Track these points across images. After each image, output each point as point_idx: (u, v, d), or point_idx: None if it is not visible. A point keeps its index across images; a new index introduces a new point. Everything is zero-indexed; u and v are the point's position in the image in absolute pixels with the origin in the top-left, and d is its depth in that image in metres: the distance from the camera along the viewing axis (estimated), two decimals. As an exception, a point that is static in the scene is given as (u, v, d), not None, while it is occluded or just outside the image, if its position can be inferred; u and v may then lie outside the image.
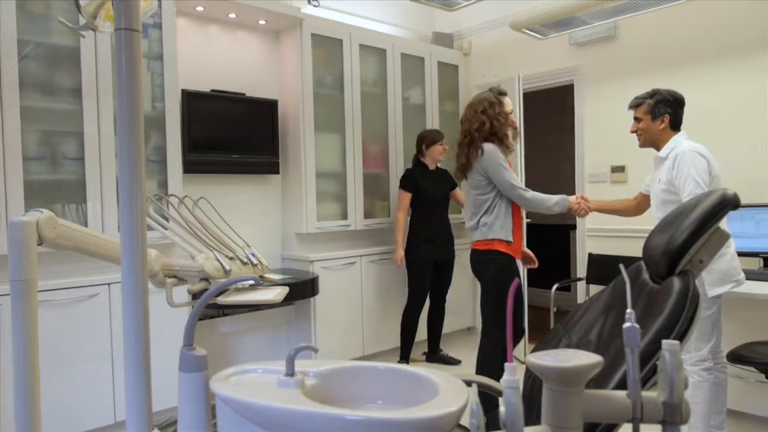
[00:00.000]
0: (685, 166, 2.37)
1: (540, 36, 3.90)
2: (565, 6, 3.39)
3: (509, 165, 2.75)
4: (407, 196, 3.84)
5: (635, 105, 2.63)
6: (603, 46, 3.96)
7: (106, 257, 1.47)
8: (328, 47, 3.83)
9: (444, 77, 4.63)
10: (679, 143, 2.48)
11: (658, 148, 2.57)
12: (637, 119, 2.61)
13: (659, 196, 2.51)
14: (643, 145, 2.64)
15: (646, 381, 0.92)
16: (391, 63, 4.20)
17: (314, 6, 3.96)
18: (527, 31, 3.78)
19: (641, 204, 2.80)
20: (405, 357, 3.78)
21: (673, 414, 0.77)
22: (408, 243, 3.85)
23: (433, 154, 3.88)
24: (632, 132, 2.63)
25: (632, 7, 3.31)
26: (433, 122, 4.51)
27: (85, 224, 2.76)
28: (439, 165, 3.98)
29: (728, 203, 1.04)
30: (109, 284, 2.71)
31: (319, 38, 3.75)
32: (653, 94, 2.57)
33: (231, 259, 1.64)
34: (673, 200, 2.43)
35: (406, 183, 3.86)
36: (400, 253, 3.82)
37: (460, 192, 4.05)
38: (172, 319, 2.76)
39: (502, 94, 2.84)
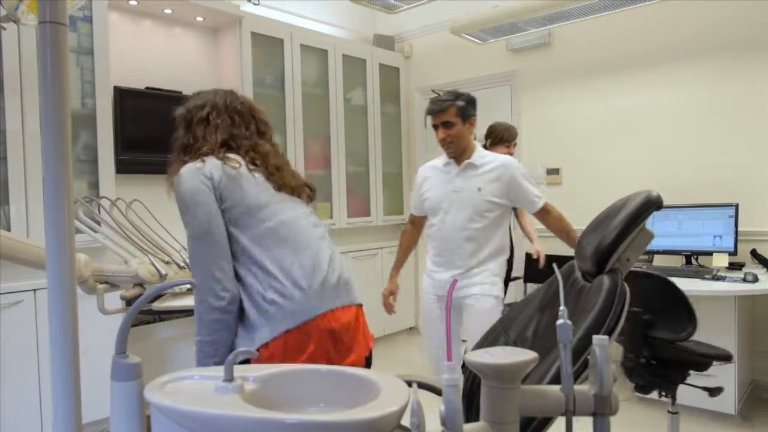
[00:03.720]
0: (524, 178, 2.39)
1: (479, 41, 4.00)
2: (503, 13, 3.48)
3: None
4: None
5: (442, 109, 2.34)
6: (538, 53, 4.09)
7: (31, 263, 1.40)
8: (268, 47, 3.78)
9: (385, 79, 4.66)
10: (487, 152, 2.45)
11: (464, 155, 2.40)
12: (446, 124, 2.34)
13: (480, 206, 2.35)
14: (454, 154, 2.40)
15: (578, 375, 0.96)
16: (333, 64, 4.19)
17: (254, 4, 3.90)
18: (466, 36, 3.87)
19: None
20: None
21: (603, 406, 0.80)
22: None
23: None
24: (441, 139, 2.36)
25: (566, 16, 3.44)
26: (374, 124, 4.52)
27: (8, 228, 2.60)
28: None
29: (653, 204, 1.10)
30: (34, 290, 2.56)
31: (259, 37, 3.70)
32: (458, 95, 2.36)
33: (167, 263, 1.59)
34: (495, 210, 2.37)
35: None
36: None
37: None
38: (103, 327, 2.64)
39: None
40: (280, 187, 1.57)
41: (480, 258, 2.40)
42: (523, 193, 2.42)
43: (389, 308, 2.62)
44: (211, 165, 1.54)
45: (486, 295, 2.38)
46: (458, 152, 2.40)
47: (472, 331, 2.39)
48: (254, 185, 1.52)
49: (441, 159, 2.51)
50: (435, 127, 2.41)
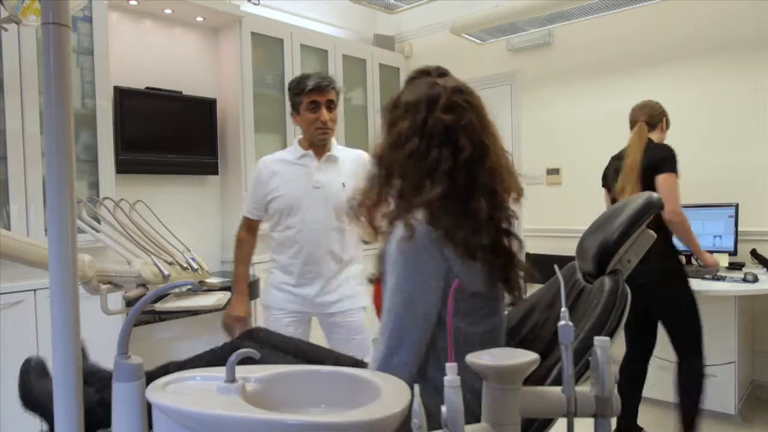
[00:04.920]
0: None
1: (479, 41, 4.00)
2: (503, 13, 3.48)
3: None
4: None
5: (331, 85, 2.10)
6: (538, 53, 4.10)
7: (32, 263, 1.40)
8: (268, 46, 3.78)
9: (386, 79, 4.66)
10: (339, 144, 2.25)
11: (325, 147, 2.18)
12: (331, 105, 2.11)
13: (344, 204, 2.13)
14: (325, 143, 2.16)
15: (580, 376, 0.96)
16: (333, 64, 4.19)
17: (254, 4, 3.90)
18: (466, 36, 3.87)
19: None
20: None
21: (604, 407, 0.80)
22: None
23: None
24: (323, 123, 2.09)
25: (566, 16, 3.45)
26: (375, 124, 4.53)
27: (8, 228, 2.60)
28: None
29: (653, 206, 1.10)
30: (34, 290, 2.56)
31: (259, 37, 3.70)
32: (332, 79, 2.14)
33: (170, 264, 1.59)
34: None
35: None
36: None
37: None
38: (105, 327, 2.64)
39: None
40: None
41: (345, 263, 2.18)
42: None
43: (234, 333, 2.16)
44: None
45: (358, 308, 2.20)
46: (328, 140, 2.16)
47: (360, 354, 2.07)
48: None
49: (288, 152, 2.22)
50: (313, 105, 2.07)
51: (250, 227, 2.25)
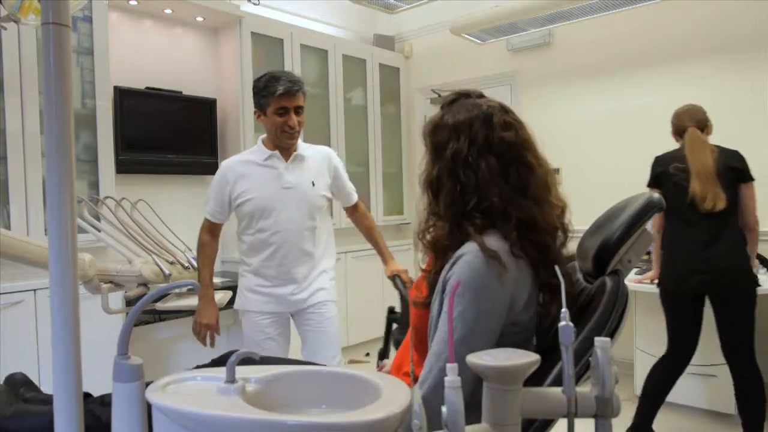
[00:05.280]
0: (344, 169, 2.29)
1: (479, 41, 4.00)
2: (503, 13, 3.48)
3: None
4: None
5: (301, 90, 2.09)
6: (538, 53, 4.09)
7: (32, 262, 1.40)
8: (268, 46, 3.78)
9: (386, 79, 4.66)
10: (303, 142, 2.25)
11: (292, 147, 2.18)
12: (299, 110, 2.10)
13: (315, 202, 2.16)
14: (295, 144, 2.16)
15: (580, 377, 0.96)
16: (333, 64, 4.19)
17: (254, 4, 3.90)
18: (466, 36, 3.87)
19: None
20: None
21: (604, 408, 0.80)
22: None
23: None
24: (290, 127, 2.08)
25: (566, 16, 3.45)
26: (374, 124, 4.52)
27: (8, 227, 2.60)
28: None
29: (654, 206, 1.10)
30: (34, 290, 2.56)
31: (259, 37, 3.70)
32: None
33: (171, 263, 1.59)
34: (325, 205, 2.24)
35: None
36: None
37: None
38: (105, 327, 2.64)
39: None
40: None
41: (317, 260, 2.19)
42: (344, 185, 2.29)
43: (204, 339, 2.15)
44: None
45: (331, 300, 2.23)
46: (295, 145, 2.16)
47: (326, 342, 2.18)
48: None
49: (253, 153, 2.19)
50: (282, 110, 2.05)
51: (212, 230, 2.20)
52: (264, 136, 2.22)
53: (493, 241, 1.05)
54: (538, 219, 1.07)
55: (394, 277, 2.27)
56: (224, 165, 2.18)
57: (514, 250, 1.05)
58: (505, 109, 1.15)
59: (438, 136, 1.14)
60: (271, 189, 2.10)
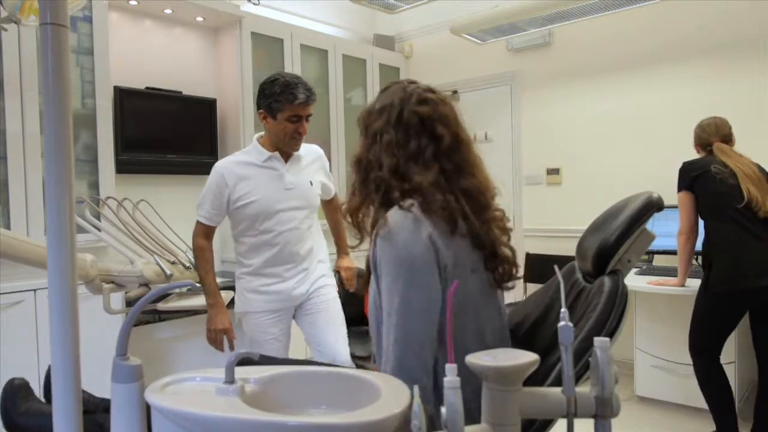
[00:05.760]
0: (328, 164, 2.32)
1: (479, 41, 3.99)
2: (503, 13, 3.48)
3: None
4: None
5: (313, 100, 2.09)
6: (538, 53, 4.09)
7: (32, 262, 1.40)
8: (268, 46, 3.77)
9: (386, 79, 4.65)
10: None
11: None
12: (309, 117, 2.12)
13: (313, 202, 2.20)
14: (299, 149, 2.18)
15: (580, 377, 0.96)
16: (333, 64, 4.18)
17: (254, 4, 3.90)
18: (466, 36, 3.86)
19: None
20: None
21: (604, 408, 0.80)
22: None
23: None
24: (299, 134, 2.10)
25: (566, 16, 3.44)
26: (375, 124, 4.52)
27: (8, 227, 2.60)
28: None
29: (653, 206, 1.10)
30: (34, 290, 2.56)
31: (259, 37, 3.69)
32: None
33: (172, 263, 1.59)
34: (318, 203, 2.26)
35: None
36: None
37: None
38: (105, 327, 2.64)
39: None
40: None
41: (315, 253, 2.23)
42: (330, 182, 2.31)
43: (221, 345, 2.17)
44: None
45: (330, 284, 2.26)
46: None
47: (331, 319, 2.18)
48: None
49: (249, 154, 2.15)
50: (295, 118, 2.05)
51: (207, 234, 2.15)
52: (260, 135, 2.20)
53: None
54: (422, 184, 1.11)
55: (337, 272, 2.33)
56: (220, 167, 2.12)
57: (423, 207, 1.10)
58: (430, 89, 1.22)
59: (366, 120, 1.22)
60: (273, 190, 2.09)
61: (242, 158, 2.14)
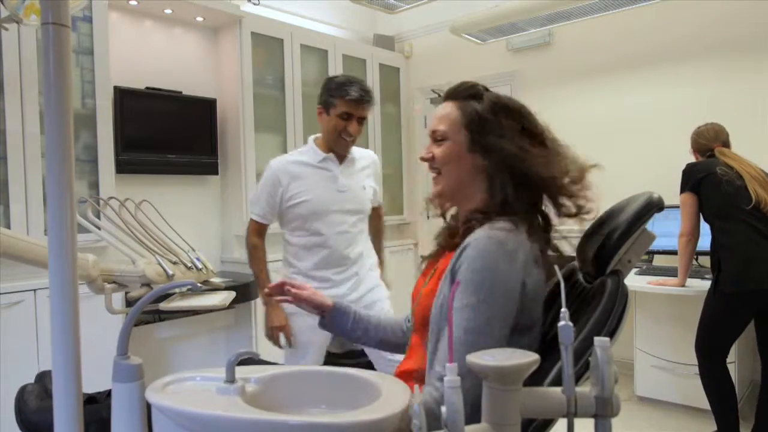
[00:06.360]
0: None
1: (479, 41, 3.99)
2: (503, 13, 3.48)
3: None
4: None
5: (368, 102, 2.10)
6: (538, 53, 4.09)
7: (33, 261, 1.40)
8: (268, 46, 3.78)
9: (386, 79, 4.66)
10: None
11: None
12: (361, 120, 2.12)
13: (365, 206, 2.20)
14: (348, 151, 2.19)
15: (580, 377, 0.96)
16: (333, 64, 4.19)
17: (254, 4, 3.90)
18: (466, 36, 3.86)
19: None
20: None
21: (604, 408, 0.80)
22: None
23: None
24: (348, 134, 2.11)
25: (566, 16, 3.44)
26: (374, 124, 4.52)
27: (8, 227, 2.60)
28: None
29: (654, 206, 1.10)
30: (34, 290, 2.56)
31: (259, 37, 3.70)
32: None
33: (174, 263, 1.59)
34: (370, 209, 2.24)
35: None
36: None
37: None
38: (105, 327, 2.64)
39: None
40: None
41: (364, 260, 2.20)
42: (379, 189, 2.29)
43: (279, 342, 2.15)
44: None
45: (386, 297, 2.23)
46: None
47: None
48: None
49: (305, 154, 2.15)
50: (346, 116, 2.04)
51: (260, 232, 2.17)
52: (316, 136, 2.20)
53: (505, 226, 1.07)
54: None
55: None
56: (275, 166, 2.13)
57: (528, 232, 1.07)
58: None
59: (488, 126, 1.18)
60: (326, 191, 2.09)
61: (297, 158, 2.15)
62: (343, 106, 2.03)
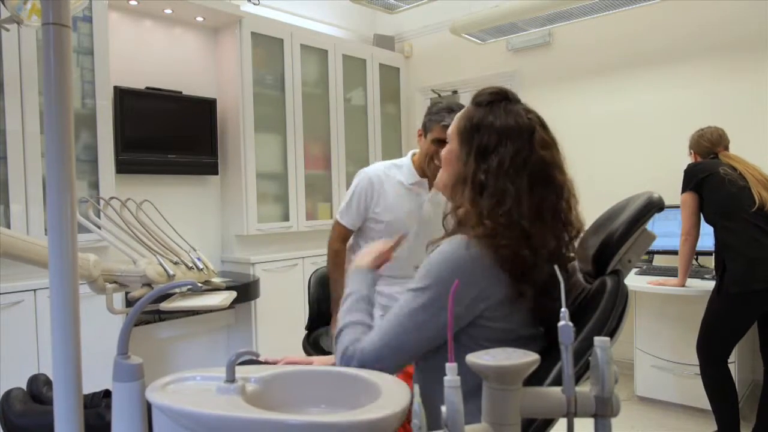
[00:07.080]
0: None
1: (479, 41, 3.99)
2: (503, 13, 3.48)
3: None
4: None
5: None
6: (538, 53, 4.09)
7: (33, 261, 1.40)
8: (268, 46, 3.78)
9: (385, 79, 4.66)
10: None
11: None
12: (445, 142, 2.10)
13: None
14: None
15: (580, 376, 0.96)
16: (333, 64, 4.19)
17: (254, 4, 3.90)
18: (466, 36, 3.86)
19: None
20: None
21: (604, 407, 0.80)
22: None
23: None
24: (433, 160, 2.01)
25: (566, 16, 3.44)
26: (374, 124, 4.52)
27: (8, 227, 2.60)
28: None
29: (654, 206, 1.10)
30: (34, 290, 2.56)
31: (259, 37, 3.70)
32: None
33: (175, 263, 1.59)
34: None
35: None
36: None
37: None
38: (105, 326, 2.64)
39: None
40: None
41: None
42: None
43: None
44: None
45: None
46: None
47: None
48: None
49: (401, 170, 2.09)
50: (437, 142, 1.94)
51: (345, 238, 2.12)
52: (414, 152, 2.14)
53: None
54: (534, 236, 1.05)
55: None
56: (370, 175, 2.09)
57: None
58: (543, 125, 1.17)
59: (484, 137, 1.13)
60: (409, 216, 2.04)
61: (392, 172, 2.10)
62: (437, 132, 1.95)
